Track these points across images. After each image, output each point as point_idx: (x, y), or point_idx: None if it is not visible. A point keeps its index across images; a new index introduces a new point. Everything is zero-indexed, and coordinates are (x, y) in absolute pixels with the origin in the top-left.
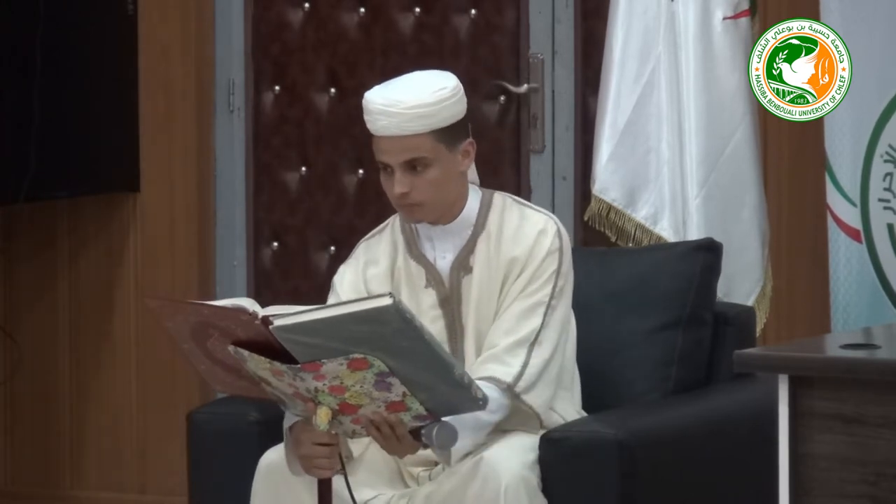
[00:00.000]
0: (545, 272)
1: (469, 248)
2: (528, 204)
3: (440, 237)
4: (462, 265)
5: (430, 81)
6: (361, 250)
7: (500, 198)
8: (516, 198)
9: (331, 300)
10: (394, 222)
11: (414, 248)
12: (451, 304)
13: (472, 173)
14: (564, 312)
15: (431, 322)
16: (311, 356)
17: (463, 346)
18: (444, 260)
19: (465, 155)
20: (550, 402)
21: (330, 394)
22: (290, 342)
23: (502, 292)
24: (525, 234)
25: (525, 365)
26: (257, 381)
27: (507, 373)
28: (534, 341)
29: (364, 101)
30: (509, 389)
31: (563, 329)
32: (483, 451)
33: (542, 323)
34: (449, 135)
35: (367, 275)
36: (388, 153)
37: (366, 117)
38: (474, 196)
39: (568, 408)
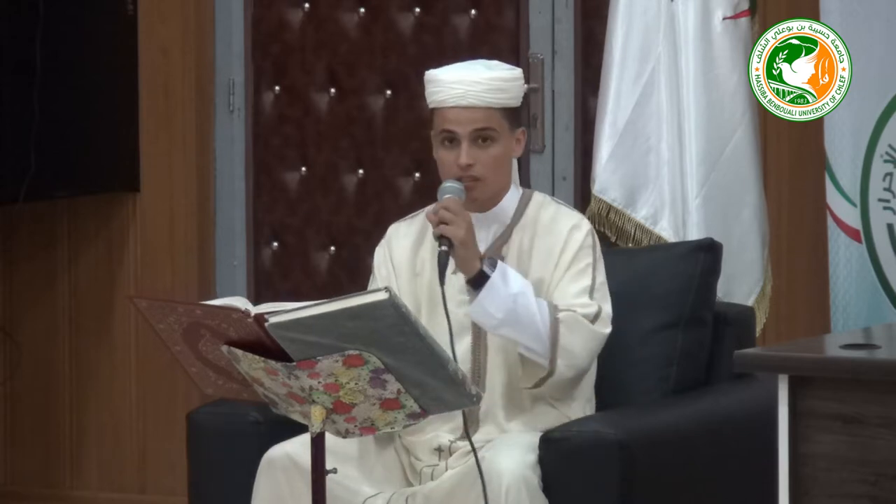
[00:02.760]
0: (580, 262)
1: (504, 238)
2: (564, 203)
3: (477, 225)
4: (495, 254)
5: (500, 63)
6: (391, 230)
7: (539, 195)
8: (554, 198)
9: (371, 284)
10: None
11: None
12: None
13: (514, 172)
14: None
15: (457, 307)
16: (306, 353)
17: (486, 332)
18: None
19: (518, 142)
20: (571, 362)
21: (324, 392)
22: (285, 339)
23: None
24: (558, 230)
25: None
26: (249, 383)
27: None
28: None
29: (431, 75)
30: (555, 309)
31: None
32: (484, 451)
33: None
34: (513, 116)
35: (393, 256)
36: (458, 123)
37: (434, 88)
38: (514, 190)
39: (580, 415)
